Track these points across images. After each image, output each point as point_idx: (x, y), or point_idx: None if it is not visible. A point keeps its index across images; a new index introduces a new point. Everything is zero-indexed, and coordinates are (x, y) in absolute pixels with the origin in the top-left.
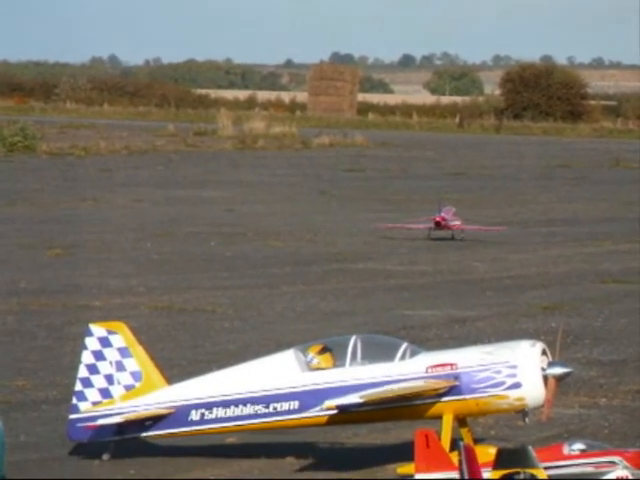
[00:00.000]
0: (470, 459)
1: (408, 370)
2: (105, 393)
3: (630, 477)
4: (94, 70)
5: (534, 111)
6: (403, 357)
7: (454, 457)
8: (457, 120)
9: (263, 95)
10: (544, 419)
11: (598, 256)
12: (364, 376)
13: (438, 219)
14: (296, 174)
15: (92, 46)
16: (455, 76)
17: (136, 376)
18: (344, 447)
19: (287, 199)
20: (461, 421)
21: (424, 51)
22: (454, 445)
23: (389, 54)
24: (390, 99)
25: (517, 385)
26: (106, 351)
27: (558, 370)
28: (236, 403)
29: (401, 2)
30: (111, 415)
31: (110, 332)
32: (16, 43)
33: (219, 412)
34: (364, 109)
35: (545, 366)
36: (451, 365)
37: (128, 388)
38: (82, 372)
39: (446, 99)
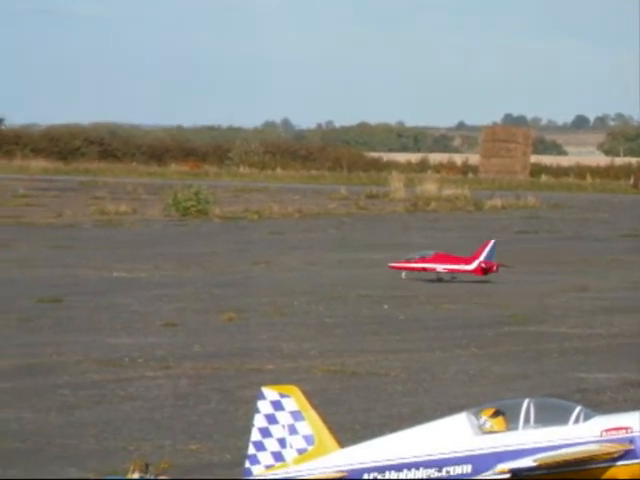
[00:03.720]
0: None
1: (582, 433)
2: (278, 456)
3: None
4: (267, 134)
5: None
6: (577, 420)
7: None
8: (631, 181)
9: (435, 157)
10: None
11: None
12: (537, 440)
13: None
14: (468, 236)
15: (265, 110)
16: (629, 137)
17: (309, 440)
18: None
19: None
20: None
21: (598, 112)
22: None
23: (562, 115)
24: (563, 161)
25: None
26: (279, 414)
27: None
28: (409, 466)
29: (574, 64)
30: (284, 479)
31: (283, 395)
32: (190, 108)
33: (392, 475)
34: (537, 171)
35: None
36: (626, 429)
37: (301, 452)
38: (255, 435)
39: (620, 160)
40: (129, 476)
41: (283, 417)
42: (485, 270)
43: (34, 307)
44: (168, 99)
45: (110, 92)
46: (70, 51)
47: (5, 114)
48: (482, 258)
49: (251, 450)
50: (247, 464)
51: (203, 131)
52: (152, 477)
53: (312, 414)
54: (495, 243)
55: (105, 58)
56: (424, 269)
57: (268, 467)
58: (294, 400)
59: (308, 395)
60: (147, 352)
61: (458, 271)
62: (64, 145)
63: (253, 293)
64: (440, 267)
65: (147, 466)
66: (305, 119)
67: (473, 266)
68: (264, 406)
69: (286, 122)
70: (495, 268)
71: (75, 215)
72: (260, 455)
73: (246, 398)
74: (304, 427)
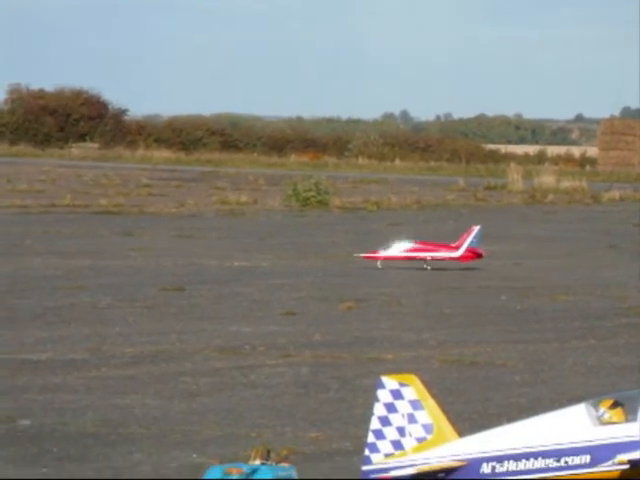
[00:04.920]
0: None
1: None
2: (397, 445)
3: None
4: (386, 126)
5: None
6: None
7: None
8: None
9: (553, 150)
10: None
11: None
12: None
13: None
14: (585, 229)
15: (384, 102)
16: None
17: (427, 428)
18: None
19: (576, 253)
20: None
21: None
22: None
23: None
24: None
25: None
26: (398, 403)
27: None
28: (527, 456)
29: None
30: (404, 467)
31: (402, 384)
32: (310, 100)
33: (510, 465)
34: None
35: None
36: None
37: (420, 440)
38: (374, 424)
39: None
40: (251, 462)
41: (402, 406)
42: (477, 255)
43: (158, 295)
44: (288, 90)
45: (231, 83)
46: (193, 44)
47: (129, 105)
48: (467, 245)
49: (370, 438)
50: (366, 452)
51: (323, 122)
52: (273, 463)
53: (431, 403)
54: (480, 229)
55: (225, 51)
56: (407, 258)
57: (387, 455)
58: (413, 389)
59: (427, 384)
60: (268, 340)
61: (444, 259)
62: (186, 136)
63: (372, 283)
64: (427, 255)
65: (269, 452)
66: (423, 111)
67: (459, 253)
68: (383, 395)
69: (404, 114)
70: (483, 254)
71: (197, 205)
72: (379, 443)
73: (365, 387)
74: (423, 416)
